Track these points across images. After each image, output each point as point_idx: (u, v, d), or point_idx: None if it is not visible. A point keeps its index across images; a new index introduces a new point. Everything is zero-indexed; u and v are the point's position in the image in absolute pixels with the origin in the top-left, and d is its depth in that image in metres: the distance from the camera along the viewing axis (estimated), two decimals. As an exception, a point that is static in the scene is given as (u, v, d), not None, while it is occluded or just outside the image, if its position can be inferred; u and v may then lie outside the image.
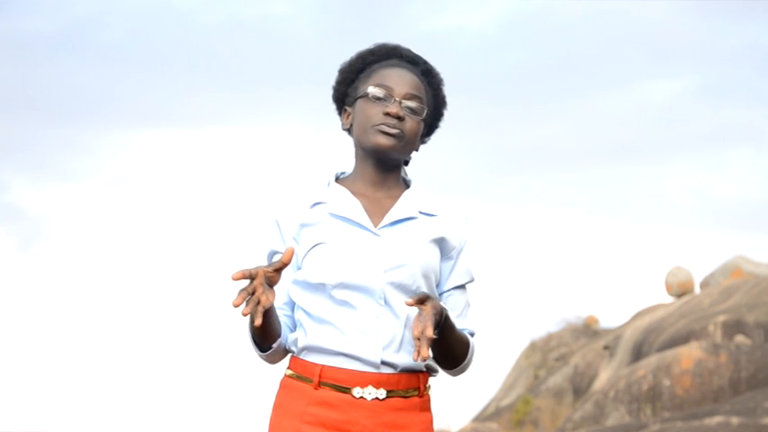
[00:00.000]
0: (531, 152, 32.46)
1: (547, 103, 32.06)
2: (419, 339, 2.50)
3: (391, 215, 2.70)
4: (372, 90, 2.72)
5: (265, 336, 2.65)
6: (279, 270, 2.49)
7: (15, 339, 24.56)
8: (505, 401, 21.42)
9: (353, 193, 2.73)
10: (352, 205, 2.70)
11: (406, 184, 2.80)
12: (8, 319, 24.82)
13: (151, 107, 29.99)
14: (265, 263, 2.76)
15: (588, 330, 23.72)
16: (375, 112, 2.70)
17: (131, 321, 25.75)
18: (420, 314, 2.53)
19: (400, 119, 2.69)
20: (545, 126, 32.83)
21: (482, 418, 20.78)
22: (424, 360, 2.51)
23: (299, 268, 2.70)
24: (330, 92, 2.84)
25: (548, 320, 31.08)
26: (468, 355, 2.74)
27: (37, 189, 30.58)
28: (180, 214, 29.81)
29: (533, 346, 23.39)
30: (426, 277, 2.68)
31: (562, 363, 21.08)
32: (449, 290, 2.76)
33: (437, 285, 2.74)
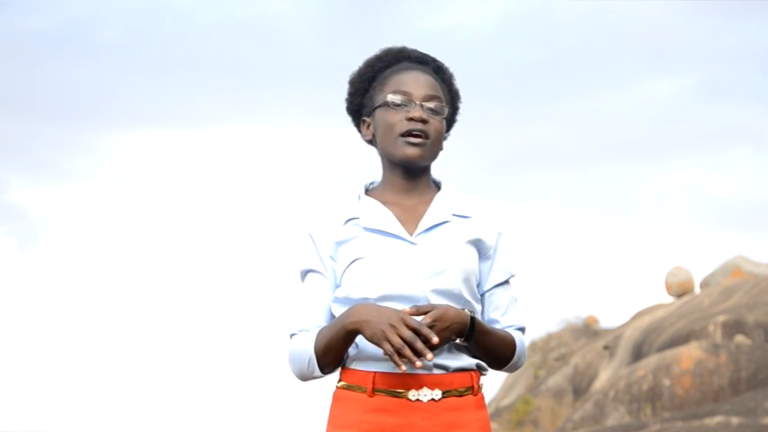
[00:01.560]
0: (530, 152, 32.47)
1: (545, 103, 32.06)
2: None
3: (425, 221, 2.69)
4: (391, 98, 2.70)
5: (339, 360, 2.65)
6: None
7: (14, 339, 24.55)
8: (505, 401, 21.42)
9: (385, 203, 2.72)
10: (384, 216, 2.68)
11: (437, 187, 2.79)
12: (7, 319, 24.81)
13: (150, 107, 29.99)
14: (298, 280, 2.75)
15: (588, 330, 23.71)
16: (398, 120, 2.69)
17: (130, 321, 25.74)
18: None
19: (424, 122, 2.68)
20: (544, 126, 32.83)
21: (482, 418, 20.73)
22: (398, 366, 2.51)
23: (338, 286, 2.69)
24: (344, 104, 2.81)
25: (548, 320, 31.05)
26: (517, 353, 2.73)
27: (36, 188, 30.59)
28: (179, 214, 29.80)
29: (533, 346, 23.37)
30: (467, 280, 2.67)
31: (562, 363, 21.08)
32: (490, 288, 2.74)
33: (478, 285, 2.73)
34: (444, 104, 2.73)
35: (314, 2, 30.72)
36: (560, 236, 32.65)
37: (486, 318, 2.73)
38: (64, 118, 30.22)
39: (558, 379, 20.05)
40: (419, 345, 2.49)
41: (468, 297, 2.67)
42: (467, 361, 2.66)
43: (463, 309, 2.61)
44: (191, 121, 30.15)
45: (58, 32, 29.27)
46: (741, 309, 16.36)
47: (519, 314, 2.77)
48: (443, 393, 2.62)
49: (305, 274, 2.73)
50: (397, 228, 2.67)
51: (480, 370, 2.71)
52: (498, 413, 20.12)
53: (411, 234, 2.67)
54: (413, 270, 2.63)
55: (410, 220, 2.70)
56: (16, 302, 26.63)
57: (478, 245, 2.71)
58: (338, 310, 2.66)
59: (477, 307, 2.70)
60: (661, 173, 33.74)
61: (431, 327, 2.53)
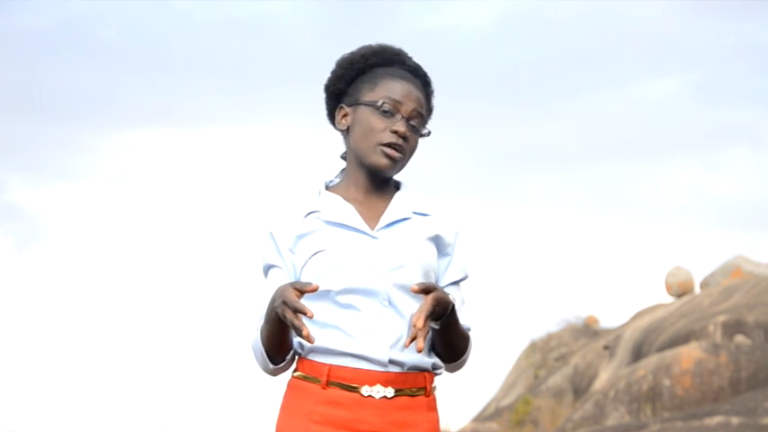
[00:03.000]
0: (528, 151, 32.48)
1: (544, 102, 32.06)
2: (415, 327, 2.52)
3: (386, 217, 2.72)
4: (381, 103, 2.71)
5: (282, 347, 2.67)
6: (303, 293, 2.54)
7: (12, 339, 24.55)
8: (505, 401, 21.42)
9: (346, 199, 2.74)
10: (346, 211, 2.71)
11: (396, 186, 2.81)
12: (5, 320, 24.81)
13: (148, 106, 30.00)
14: (262, 276, 2.77)
15: (588, 330, 23.71)
16: (381, 127, 2.71)
17: (129, 321, 25.75)
18: (421, 303, 2.55)
19: (405, 138, 2.71)
20: (543, 125, 32.83)
21: (482, 418, 20.77)
22: (419, 351, 2.51)
23: (298, 279, 2.70)
24: (324, 81, 2.82)
25: (548, 320, 31.06)
26: (468, 351, 2.76)
27: (34, 188, 30.59)
28: (178, 214, 29.81)
29: (533, 346, 23.38)
30: (426, 276, 2.70)
31: (562, 363, 21.07)
32: (444, 286, 2.76)
33: (435, 282, 2.75)
34: (425, 124, 2.77)
35: (312, 1, 30.73)
36: (560, 236, 32.65)
37: None
38: (62, 117, 30.23)
39: (558, 379, 20.05)
40: (297, 322, 2.50)
41: None
42: (422, 360, 2.68)
43: (448, 294, 2.63)
44: (189, 120, 30.16)
45: (56, 32, 29.28)
46: (741, 309, 16.36)
47: (467, 315, 2.78)
48: (396, 392, 2.64)
49: (266, 269, 2.75)
50: (359, 222, 2.70)
51: (434, 370, 2.73)
52: (498, 413, 20.11)
53: (372, 229, 2.70)
54: (374, 264, 2.65)
55: (371, 215, 2.73)
56: (14, 303, 26.63)
57: (437, 242, 2.74)
58: None
59: None
60: (660, 172, 33.77)
61: (432, 311, 2.55)
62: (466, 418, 21.07)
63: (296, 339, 2.70)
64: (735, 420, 12.41)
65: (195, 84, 30.08)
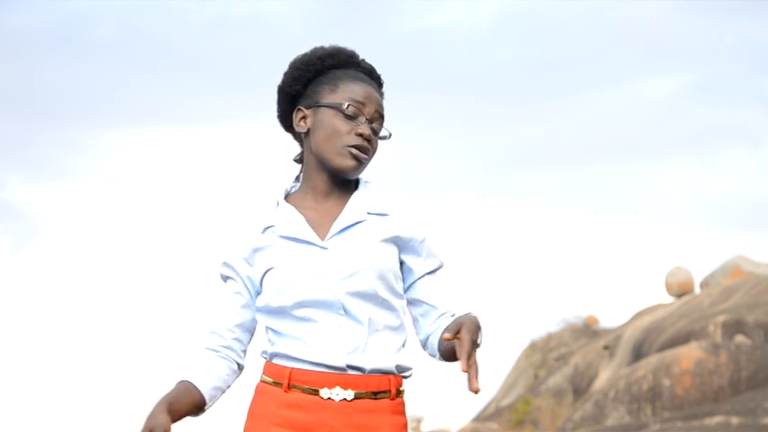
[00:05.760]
0: (527, 150, 32.50)
1: (541, 102, 32.09)
2: (467, 372, 2.42)
3: (338, 224, 2.71)
4: (346, 106, 2.71)
5: (197, 410, 2.72)
6: None
7: (10, 338, 24.54)
8: (505, 401, 21.43)
9: (301, 207, 2.74)
10: (297, 223, 2.71)
11: (356, 185, 2.80)
12: (3, 319, 24.81)
13: (146, 106, 30.01)
14: (219, 281, 2.81)
15: (588, 330, 23.73)
16: (346, 130, 2.71)
17: (126, 320, 25.74)
18: (458, 347, 2.46)
19: (369, 141, 2.71)
20: (540, 124, 32.85)
21: (482, 418, 20.78)
22: (476, 392, 2.44)
23: (259, 293, 2.73)
24: (277, 82, 2.81)
25: (548, 320, 31.07)
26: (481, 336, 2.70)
27: (33, 187, 30.60)
28: (175, 213, 29.81)
29: (533, 346, 23.40)
30: (383, 279, 2.68)
31: (562, 363, 21.08)
32: (420, 277, 2.75)
33: (405, 279, 2.74)
34: (383, 125, 2.76)
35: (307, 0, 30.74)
36: (560, 235, 32.66)
37: (422, 306, 2.73)
38: (60, 117, 30.26)
39: (558, 379, 20.06)
40: None
41: (386, 295, 2.68)
42: (384, 363, 2.67)
43: (470, 312, 2.57)
44: (186, 120, 30.20)
45: (53, 31, 29.32)
46: (741, 309, 16.36)
47: (457, 298, 2.76)
48: (356, 394, 2.64)
49: (224, 279, 2.78)
50: (309, 233, 2.69)
51: (401, 372, 2.71)
52: (498, 413, 20.12)
53: (324, 238, 2.69)
54: (324, 275, 2.65)
55: (325, 222, 2.72)
56: (12, 302, 26.62)
57: (397, 241, 2.72)
58: (262, 319, 2.72)
59: (397, 303, 2.70)
60: (659, 172, 33.80)
61: (472, 348, 2.45)
62: (466, 418, 21.08)
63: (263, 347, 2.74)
64: (735, 420, 12.41)
65: (192, 82, 30.10)
